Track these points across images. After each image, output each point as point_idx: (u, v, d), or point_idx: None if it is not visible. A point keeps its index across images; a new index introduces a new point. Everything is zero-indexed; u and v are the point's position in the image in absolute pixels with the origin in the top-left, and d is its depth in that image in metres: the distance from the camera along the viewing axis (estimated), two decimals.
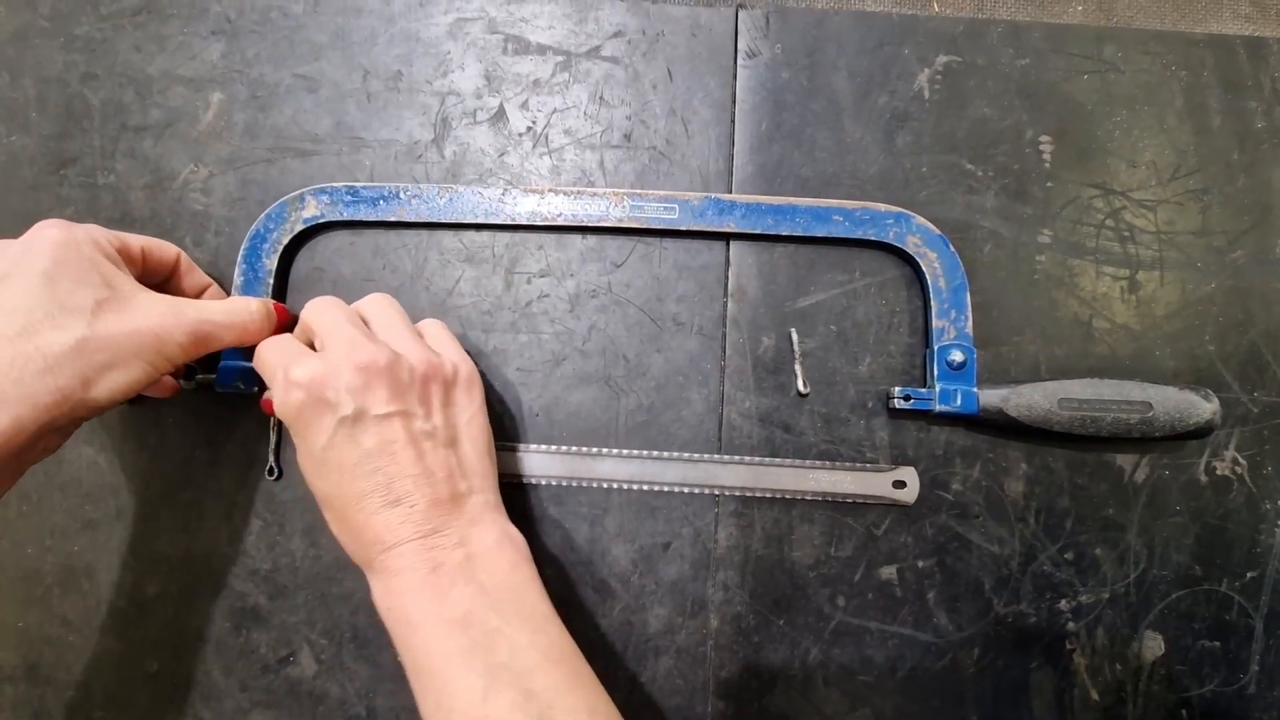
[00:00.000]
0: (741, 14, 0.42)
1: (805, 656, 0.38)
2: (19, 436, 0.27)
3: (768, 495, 0.38)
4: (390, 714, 0.37)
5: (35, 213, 0.39)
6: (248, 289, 0.38)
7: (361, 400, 0.29)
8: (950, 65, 0.41)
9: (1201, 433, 0.37)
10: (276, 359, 0.31)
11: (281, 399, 0.30)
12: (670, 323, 0.39)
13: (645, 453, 0.38)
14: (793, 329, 0.39)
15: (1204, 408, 0.37)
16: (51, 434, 0.30)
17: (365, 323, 0.33)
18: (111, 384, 0.29)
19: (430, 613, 0.28)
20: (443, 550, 0.29)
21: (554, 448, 0.38)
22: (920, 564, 0.38)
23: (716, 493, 0.38)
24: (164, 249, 0.35)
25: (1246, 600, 0.39)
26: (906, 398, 0.38)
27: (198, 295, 0.37)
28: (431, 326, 0.35)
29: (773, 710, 0.37)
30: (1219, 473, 0.39)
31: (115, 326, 0.29)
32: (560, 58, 0.41)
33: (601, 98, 0.41)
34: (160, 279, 0.35)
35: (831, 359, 0.39)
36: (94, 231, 0.31)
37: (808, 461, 0.38)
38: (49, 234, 0.30)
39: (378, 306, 0.34)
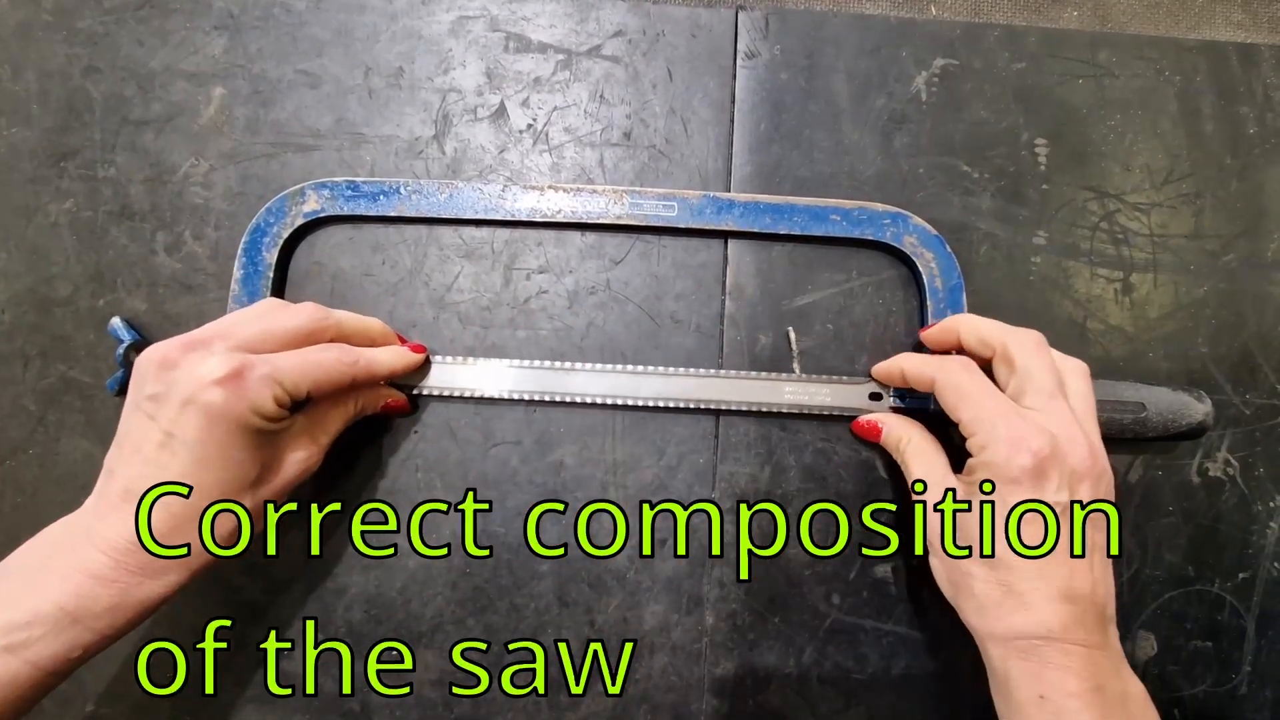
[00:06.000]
0: (741, 15, 0.42)
1: (800, 654, 0.38)
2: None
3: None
4: (387, 710, 0.37)
5: (35, 206, 0.40)
6: (247, 282, 0.38)
7: (1074, 490, 0.28)
8: (947, 68, 0.42)
9: (1194, 434, 0.37)
10: (1003, 422, 0.29)
11: (1005, 461, 0.28)
12: (668, 320, 0.40)
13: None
14: (790, 327, 0.39)
15: (1197, 409, 0.37)
16: None
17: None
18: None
19: None
20: (1104, 672, 0.27)
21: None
22: (915, 562, 0.38)
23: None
24: (363, 333, 0.35)
25: (1238, 601, 0.39)
26: (903, 397, 0.38)
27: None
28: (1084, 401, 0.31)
29: (767, 708, 0.37)
30: (1211, 474, 0.39)
31: (277, 486, 0.32)
32: (561, 56, 0.41)
33: (602, 96, 0.41)
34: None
35: (828, 357, 0.39)
36: (259, 398, 0.29)
37: (782, 375, 0.38)
38: (212, 399, 0.28)
39: (1081, 384, 0.31)
